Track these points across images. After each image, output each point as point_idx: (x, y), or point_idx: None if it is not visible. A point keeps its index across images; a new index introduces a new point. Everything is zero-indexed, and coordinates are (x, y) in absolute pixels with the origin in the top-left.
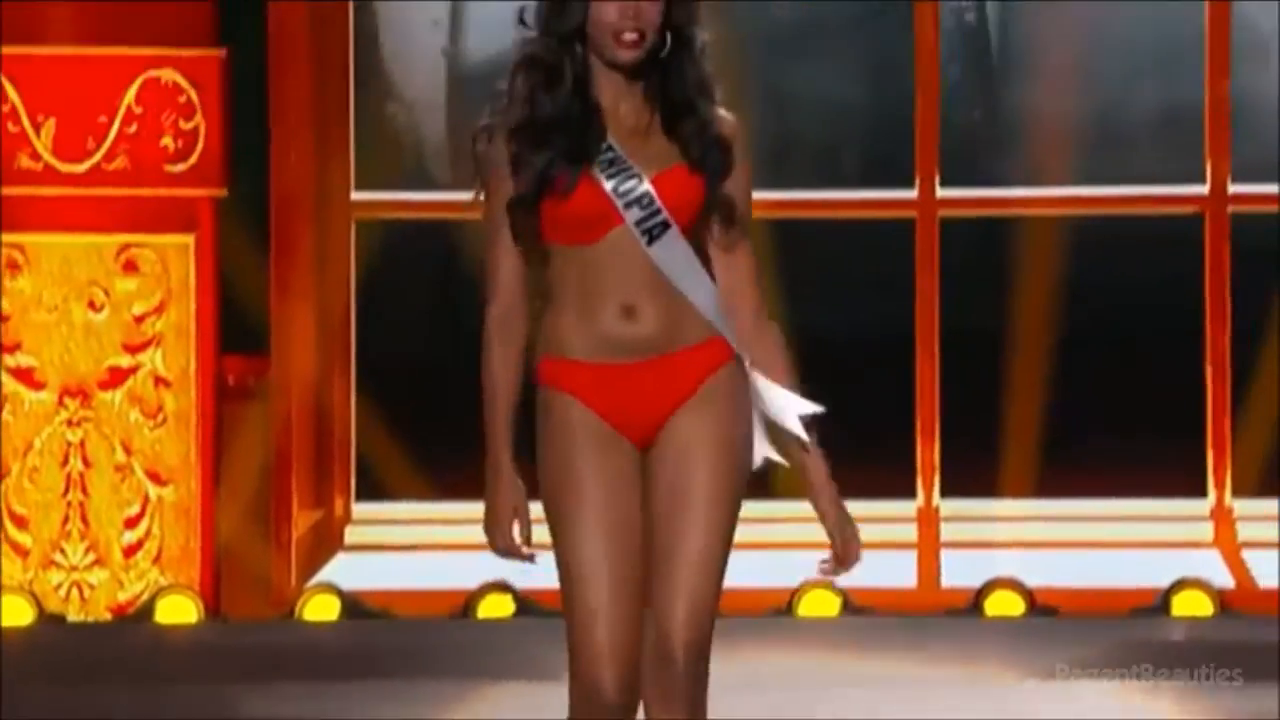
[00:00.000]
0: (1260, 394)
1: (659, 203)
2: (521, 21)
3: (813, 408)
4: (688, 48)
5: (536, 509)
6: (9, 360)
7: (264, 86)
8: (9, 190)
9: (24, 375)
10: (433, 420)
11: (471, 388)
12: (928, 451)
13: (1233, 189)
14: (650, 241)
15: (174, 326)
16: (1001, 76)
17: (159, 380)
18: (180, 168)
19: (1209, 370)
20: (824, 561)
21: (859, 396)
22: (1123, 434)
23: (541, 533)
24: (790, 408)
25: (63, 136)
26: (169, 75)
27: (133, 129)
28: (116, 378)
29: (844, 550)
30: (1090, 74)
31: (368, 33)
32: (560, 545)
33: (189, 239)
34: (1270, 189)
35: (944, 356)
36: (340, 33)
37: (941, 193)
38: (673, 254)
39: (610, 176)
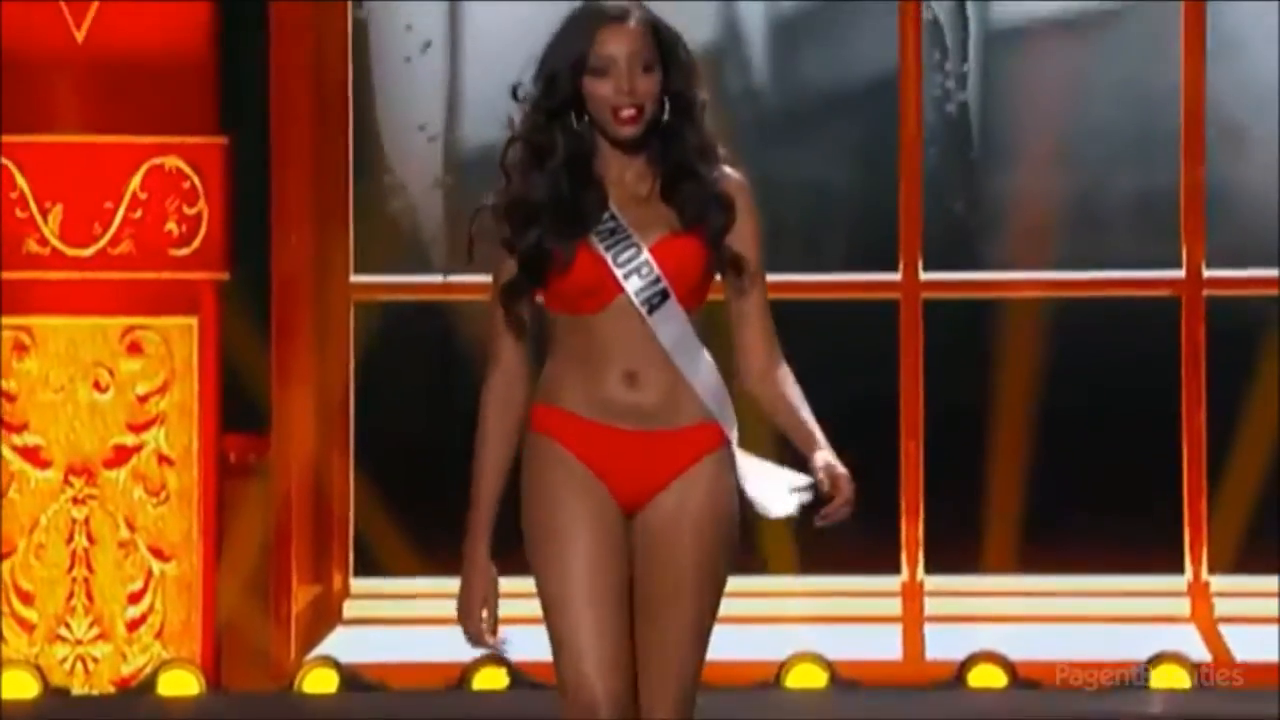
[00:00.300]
0: (1235, 472)
1: (658, 271)
2: (514, 96)
3: (802, 479)
4: (687, 113)
5: (513, 583)
6: (15, 439)
7: (266, 172)
8: (17, 274)
9: (30, 454)
10: (429, 498)
11: (467, 467)
12: (912, 528)
13: (1207, 273)
14: (651, 311)
15: (177, 406)
16: (983, 163)
17: (162, 458)
18: (184, 252)
19: (1185, 449)
20: (822, 514)
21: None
22: (1102, 511)
23: (515, 606)
24: (777, 484)
25: (70, 222)
26: (173, 162)
27: (138, 214)
28: (121, 456)
29: (834, 486)
30: (1069, 160)
31: (367, 118)
32: (546, 588)
33: (192, 321)
34: (1245, 273)
35: (928, 434)
36: (340, 119)
37: (925, 276)
38: (671, 325)
39: (610, 246)
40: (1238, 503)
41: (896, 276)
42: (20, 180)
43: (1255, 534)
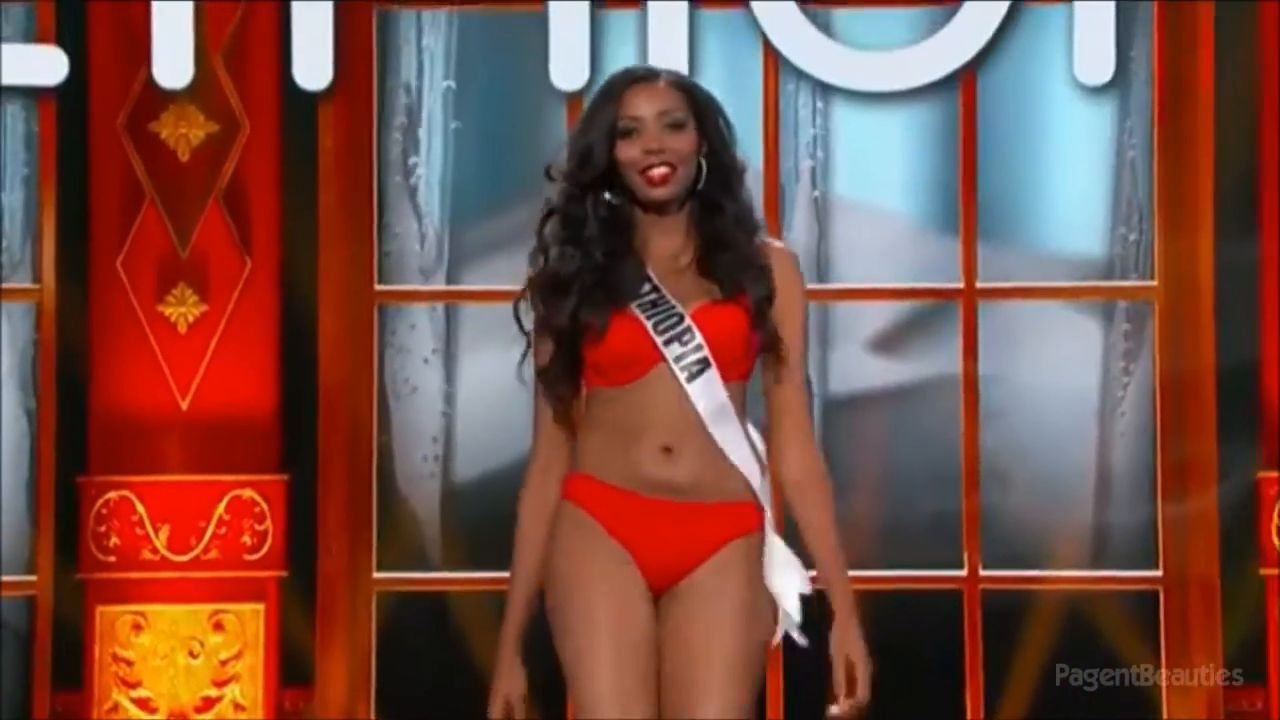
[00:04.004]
0: None
1: (700, 338)
2: (549, 176)
3: (806, 589)
4: (724, 179)
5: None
6: (132, 693)
7: (314, 500)
8: (136, 574)
9: (142, 703)
10: None
11: None
12: None
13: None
14: (690, 379)
15: (248, 668)
16: None
17: (238, 706)
18: (254, 557)
19: None
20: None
21: None
22: None
23: None
24: (792, 582)
25: (174, 537)
26: (248, 494)
27: (223, 531)
28: (208, 704)
29: (849, 683)
30: (881, 482)
31: (386, 462)
32: (571, 673)
33: (260, 606)
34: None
35: None
36: (366, 453)
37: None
38: (711, 396)
39: (651, 315)
40: None
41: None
42: (140, 507)
43: None
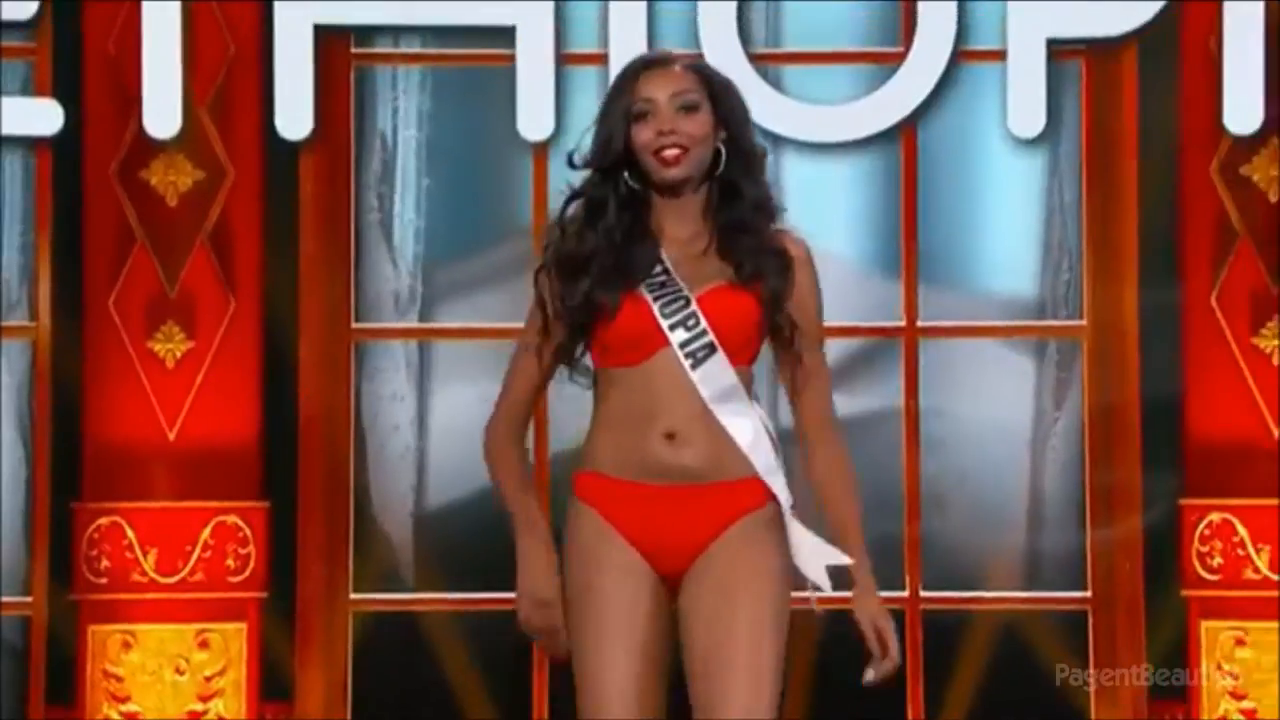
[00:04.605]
0: None
1: (705, 324)
2: (570, 164)
3: (842, 558)
4: (744, 163)
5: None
6: (121, 707)
7: (294, 526)
8: (126, 596)
9: (131, 718)
10: None
11: None
12: None
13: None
14: (695, 365)
15: (231, 683)
16: None
17: (221, 719)
18: (238, 579)
19: None
20: (869, 670)
21: None
22: None
23: None
24: (817, 557)
25: (161, 560)
26: (231, 519)
27: (208, 554)
28: (193, 718)
29: (881, 645)
30: None
31: (362, 490)
32: (580, 669)
33: (243, 626)
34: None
35: None
36: (342, 486)
37: None
38: (716, 381)
39: (659, 298)
40: None
41: None
42: (130, 532)
43: None
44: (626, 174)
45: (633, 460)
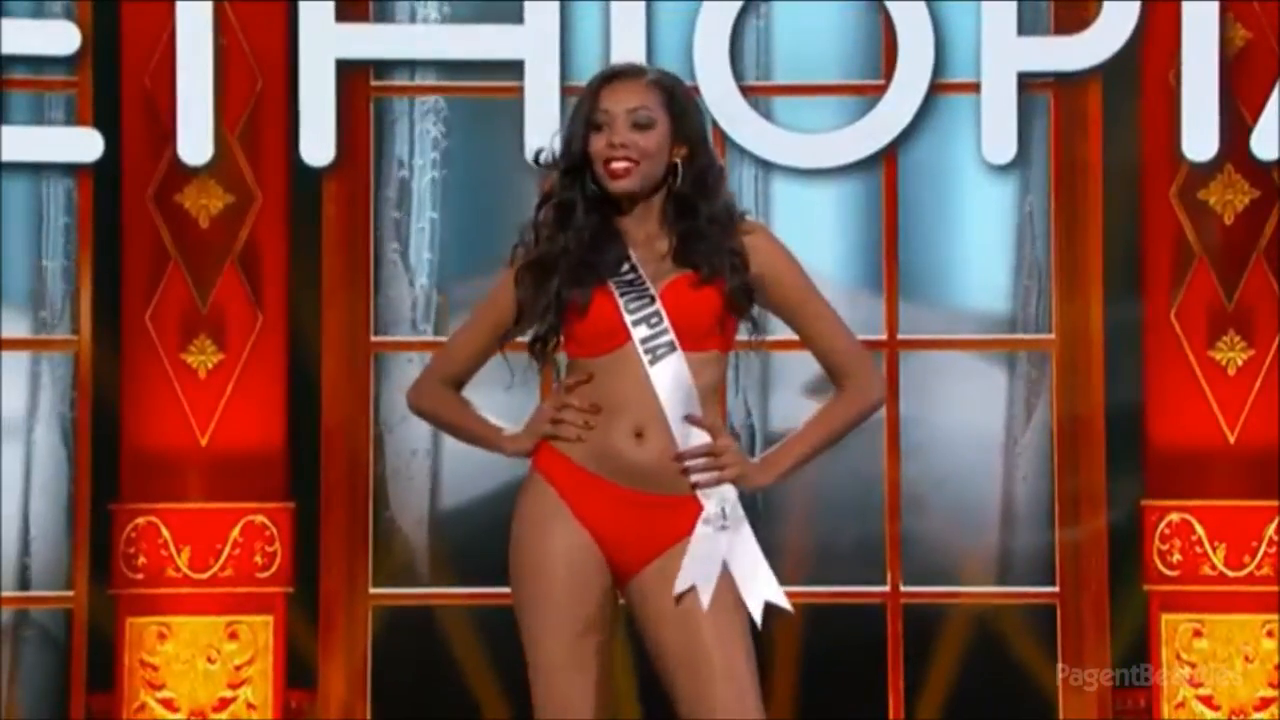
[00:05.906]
0: None
1: (667, 323)
2: (536, 163)
3: (784, 603)
4: (700, 181)
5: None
6: (158, 694)
7: (317, 526)
8: (160, 590)
9: (167, 704)
10: None
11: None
12: None
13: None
14: (654, 361)
15: (259, 672)
16: None
17: (249, 705)
18: (265, 575)
19: None
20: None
21: None
22: None
23: None
24: (761, 587)
25: (194, 557)
26: (259, 519)
27: (237, 552)
28: (223, 704)
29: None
30: (813, 510)
31: (381, 491)
32: (527, 641)
33: (270, 618)
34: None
35: None
36: (362, 487)
37: None
38: (675, 380)
39: (625, 294)
40: None
41: None
42: (164, 532)
43: None
44: (589, 177)
45: (599, 452)
